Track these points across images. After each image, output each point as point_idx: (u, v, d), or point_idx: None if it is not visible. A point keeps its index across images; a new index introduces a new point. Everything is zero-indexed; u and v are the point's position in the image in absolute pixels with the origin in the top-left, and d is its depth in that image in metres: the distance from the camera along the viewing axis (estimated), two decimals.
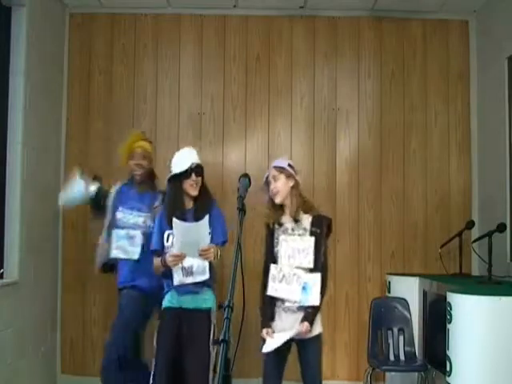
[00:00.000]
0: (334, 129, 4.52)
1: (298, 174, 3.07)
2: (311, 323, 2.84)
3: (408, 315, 3.93)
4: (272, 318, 2.93)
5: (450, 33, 4.56)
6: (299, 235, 2.96)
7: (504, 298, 2.76)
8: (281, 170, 3.01)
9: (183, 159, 3.09)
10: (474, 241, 3.97)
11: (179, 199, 3.08)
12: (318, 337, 2.94)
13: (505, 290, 3.13)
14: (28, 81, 3.77)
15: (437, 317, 3.52)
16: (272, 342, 2.81)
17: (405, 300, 3.95)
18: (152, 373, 2.96)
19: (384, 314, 3.93)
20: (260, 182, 3.02)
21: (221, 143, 4.51)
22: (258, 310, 2.97)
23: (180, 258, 2.93)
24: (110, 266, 3.51)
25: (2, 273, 3.58)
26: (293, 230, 2.99)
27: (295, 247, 2.92)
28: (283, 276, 2.91)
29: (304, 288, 2.87)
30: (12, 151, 3.69)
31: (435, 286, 3.69)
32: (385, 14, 4.53)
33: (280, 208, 3.03)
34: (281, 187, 2.99)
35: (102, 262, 3.51)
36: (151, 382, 2.95)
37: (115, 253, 3.39)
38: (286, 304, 2.91)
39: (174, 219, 2.88)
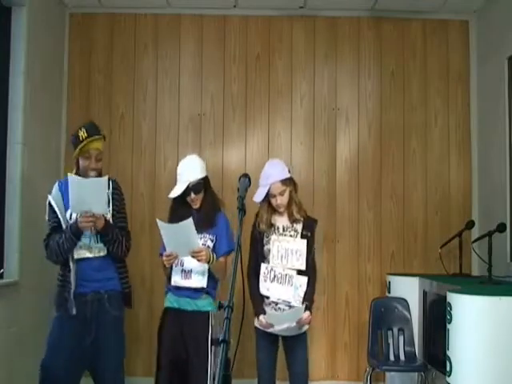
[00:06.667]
0: (334, 129, 4.52)
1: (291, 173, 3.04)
2: (311, 313, 2.90)
3: (408, 315, 3.93)
4: (263, 302, 2.96)
5: (450, 33, 4.56)
6: (291, 236, 2.97)
7: (504, 298, 2.76)
8: (286, 182, 2.96)
9: (183, 175, 3.03)
10: (474, 241, 3.97)
11: (182, 212, 3.01)
12: (305, 333, 3.01)
13: (505, 290, 3.12)
14: (28, 81, 3.77)
15: (437, 317, 3.52)
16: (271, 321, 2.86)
17: (405, 300, 3.96)
18: (155, 372, 2.96)
19: (384, 314, 3.93)
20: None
21: (221, 143, 4.51)
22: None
23: (172, 257, 2.87)
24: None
25: (2, 273, 3.58)
26: (284, 230, 2.99)
27: (288, 248, 2.92)
28: (274, 276, 2.91)
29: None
30: (12, 151, 3.69)
31: (435, 286, 3.69)
32: (385, 14, 4.53)
33: (273, 209, 3.01)
34: (286, 199, 2.97)
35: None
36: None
37: None
38: (279, 305, 2.93)
39: (158, 220, 2.84)
